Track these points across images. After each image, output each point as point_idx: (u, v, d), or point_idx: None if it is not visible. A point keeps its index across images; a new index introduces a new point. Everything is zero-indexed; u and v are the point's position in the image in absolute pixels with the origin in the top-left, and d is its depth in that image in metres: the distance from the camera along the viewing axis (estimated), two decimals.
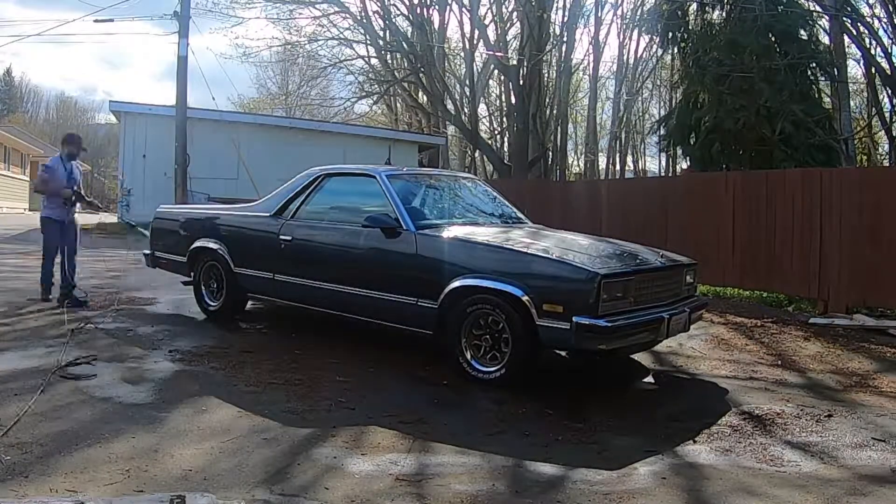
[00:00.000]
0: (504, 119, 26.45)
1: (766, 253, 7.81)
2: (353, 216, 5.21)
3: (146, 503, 2.61)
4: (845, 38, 13.56)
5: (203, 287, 6.14)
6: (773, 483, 3.02)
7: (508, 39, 22.74)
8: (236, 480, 2.85)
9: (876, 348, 5.74)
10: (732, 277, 8.25)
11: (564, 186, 15.21)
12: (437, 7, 21.86)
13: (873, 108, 16.18)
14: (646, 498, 2.84)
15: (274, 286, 5.53)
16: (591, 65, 25.69)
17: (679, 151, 15.75)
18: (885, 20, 14.17)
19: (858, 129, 15.71)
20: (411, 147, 20.51)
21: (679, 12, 13.56)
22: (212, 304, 6.09)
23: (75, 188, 6.52)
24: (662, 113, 24.10)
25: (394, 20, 21.27)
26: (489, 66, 24.48)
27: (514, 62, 19.42)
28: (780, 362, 5.27)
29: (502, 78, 23.75)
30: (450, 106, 21.51)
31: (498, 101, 29.07)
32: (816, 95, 13.26)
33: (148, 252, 6.83)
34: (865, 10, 14.79)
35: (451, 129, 25.14)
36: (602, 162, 28.98)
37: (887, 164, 15.12)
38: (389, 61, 23.55)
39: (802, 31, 12.74)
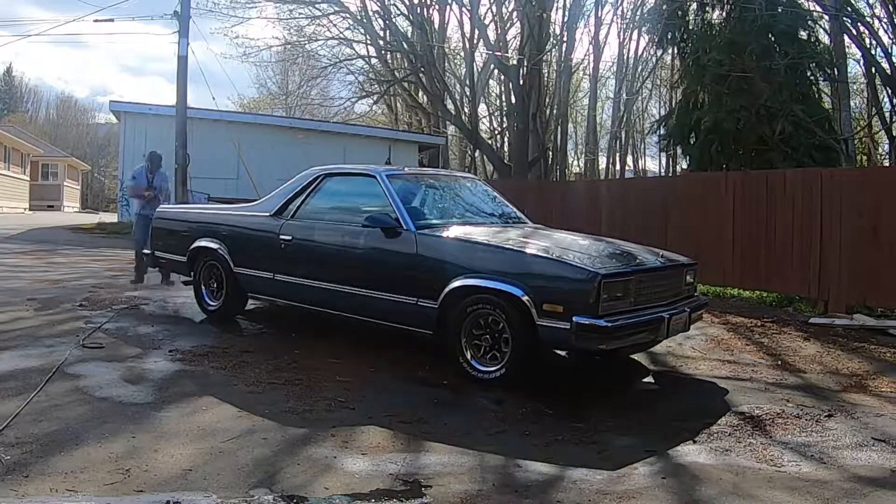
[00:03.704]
0: (504, 119, 26.44)
1: (766, 253, 7.81)
2: (354, 216, 5.21)
3: (146, 503, 2.61)
4: (845, 38, 13.54)
5: (203, 287, 6.14)
6: (773, 484, 3.02)
7: (508, 39, 22.74)
8: (236, 480, 2.85)
9: (876, 348, 5.74)
10: (732, 277, 8.25)
11: (564, 186, 15.20)
12: (437, 7, 21.87)
13: (873, 108, 16.18)
14: (645, 498, 2.84)
15: (274, 286, 5.53)
16: (591, 64, 25.72)
17: (679, 151, 15.75)
18: (885, 20, 14.19)
19: (858, 129, 15.70)
20: (411, 147, 20.51)
21: (679, 12, 13.55)
22: (212, 303, 6.09)
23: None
24: (662, 113, 24.09)
25: (394, 20, 21.29)
26: (489, 65, 24.47)
27: (514, 62, 19.41)
28: (779, 363, 5.27)
29: (502, 78, 23.73)
30: (450, 106, 21.51)
31: (498, 101, 29.06)
32: (816, 95, 13.25)
33: (148, 252, 6.84)
34: (865, 10, 14.80)
35: (451, 129, 25.13)
36: (602, 162, 29.01)
37: (887, 164, 15.11)
38: (389, 61, 23.54)
39: (802, 32, 12.73)
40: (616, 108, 26.96)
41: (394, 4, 21.19)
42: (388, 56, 23.02)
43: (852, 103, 16.56)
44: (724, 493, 2.91)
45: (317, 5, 20.85)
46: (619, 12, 24.49)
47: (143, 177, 8.47)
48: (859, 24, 13.35)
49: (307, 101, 30.41)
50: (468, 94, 22.64)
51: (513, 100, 20.12)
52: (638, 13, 21.94)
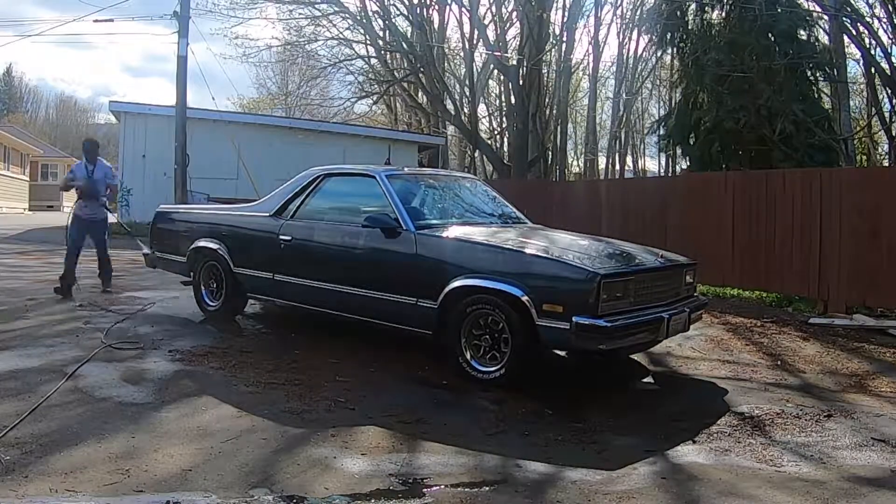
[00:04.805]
0: (504, 119, 26.44)
1: (765, 253, 7.81)
2: (353, 216, 5.21)
3: (146, 503, 2.61)
4: (845, 38, 13.55)
5: (203, 287, 6.14)
6: (772, 484, 3.02)
7: (508, 39, 22.72)
8: (235, 480, 2.85)
9: (875, 348, 5.74)
10: (732, 278, 8.25)
11: (564, 186, 15.21)
12: (436, 7, 21.87)
13: (873, 108, 16.16)
14: (645, 498, 2.84)
15: (274, 286, 5.53)
16: (591, 65, 25.71)
17: (679, 151, 15.75)
18: (884, 20, 14.16)
19: (858, 129, 15.69)
20: (411, 147, 20.51)
21: (678, 12, 13.56)
22: (211, 304, 6.09)
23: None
24: (662, 113, 24.10)
25: (393, 20, 21.30)
26: (489, 66, 24.47)
27: (514, 62, 19.40)
28: (779, 363, 5.27)
29: (502, 78, 23.73)
30: (449, 106, 21.51)
31: (498, 101, 29.07)
32: (816, 96, 13.27)
33: (148, 252, 6.84)
34: (865, 11, 14.78)
35: (450, 129, 25.14)
36: (602, 162, 29.01)
37: (887, 164, 15.11)
38: (389, 61, 23.54)
39: (802, 32, 12.74)
40: (616, 108, 26.95)
41: (393, 5, 21.22)
42: (388, 56, 23.02)
43: (852, 103, 16.57)
44: (723, 493, 2.91)
45: (317, 5, 20.84)
46: (618, 12, 24.54)
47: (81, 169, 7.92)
48: (859, 24, 13.34)
49: (307, 101, 30.39)
50: (468, 94, 22.65)
51: (512, 100, 20.11)
52: (637, 13, 21.96)
